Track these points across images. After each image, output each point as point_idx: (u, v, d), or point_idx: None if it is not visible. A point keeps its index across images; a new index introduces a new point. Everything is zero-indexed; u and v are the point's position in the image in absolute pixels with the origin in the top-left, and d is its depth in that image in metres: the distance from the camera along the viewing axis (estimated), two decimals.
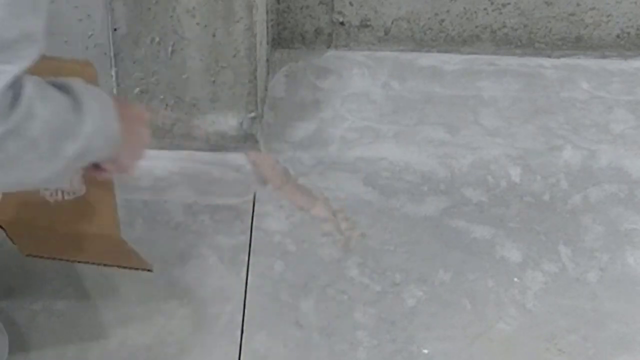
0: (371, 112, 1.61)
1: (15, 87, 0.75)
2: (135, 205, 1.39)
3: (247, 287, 1.29)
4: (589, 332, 1.24)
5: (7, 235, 1.04)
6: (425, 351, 1.21)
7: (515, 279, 1.31)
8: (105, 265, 1.13)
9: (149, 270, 1.17)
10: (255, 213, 1.41)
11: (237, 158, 1.51)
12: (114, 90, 1.45)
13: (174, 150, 1.51)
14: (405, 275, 1.31)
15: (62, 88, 0.84)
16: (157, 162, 1.48)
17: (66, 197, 1.15)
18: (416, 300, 1.28)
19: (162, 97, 1.48)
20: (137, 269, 1.15)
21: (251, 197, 1.43)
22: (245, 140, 1.51)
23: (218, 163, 1.49)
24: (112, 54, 1.42)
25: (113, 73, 1.44)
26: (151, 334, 1.22)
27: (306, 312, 1.26)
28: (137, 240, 1.33)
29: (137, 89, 1.48)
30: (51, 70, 0.88)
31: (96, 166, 0.99)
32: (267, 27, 1.67)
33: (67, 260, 1.09)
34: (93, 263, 1.12)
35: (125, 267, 1.15)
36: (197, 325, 1.24)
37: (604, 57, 1.76)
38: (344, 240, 1.37)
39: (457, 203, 1.43)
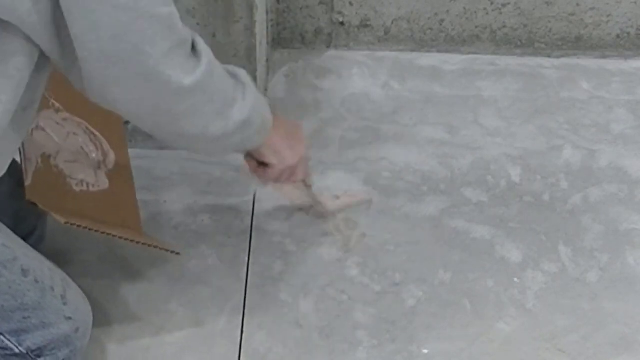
0: (371, 112, 1.61)
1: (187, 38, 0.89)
2: None
3: (247, 287, 1.29)
4: (589, 332, 1.24)
5: (41, 209, 1.04)
6: (425, 351, 1.21)
7: (515, 279, 1.31)
8: (138, 242, 1.14)
9: (177, 254, 1.20)
10: (255, 213, 1.41)
11: (237, 158, 1.51)
12: None
13: (174, 150, 1.51)
14: (405, 275, 1.31)
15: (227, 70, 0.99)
16: (157, 162, 1.48)
17: (91, 189, 1.16)
18: (416, 300, 1.28)
19: None
20: (167, 250, 1.18)
21: (251, 197, 1.44)
22: None
23: (218, 163, 1.49)
24: None
25: None
26: (151, 334, 1.22)
27: (306, 312, 1.26)
28: None
29: None
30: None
31: (262, 164, 1.15)
32: (267, 27, 1.67)
33: (104, 233, 1.10)
34: (127, 239, 1.13)
35: (156, 247, 1.17)
36: (197, 325, 1.24)
37: (604, 57, 1.77)
38: (344, 240, 1.37)
39: (457, 203, 1.43)
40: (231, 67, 1.00)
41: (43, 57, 0.88)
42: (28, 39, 0.83)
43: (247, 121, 1.01)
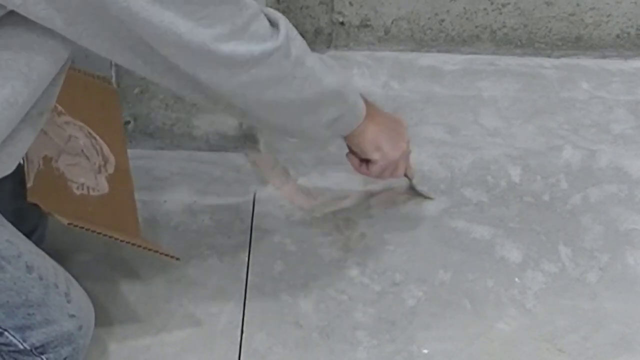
0: None
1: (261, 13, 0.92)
2: None
3: (247, 287, 1.29)
4: (589, 332, 1.24)
5: (42, 209, 1.04)
6: (425, 351, 1.21)
7: (516, 279, 1.31)
8: (139, 246, 1.14)
9: (177, 259, 1.19)
10: (255, 213, 1.41)
11: (237, 158, 1.51)
12: None
13: (174, 150, 1.52)
14: (405, 275, 1.31)
15: None
16: (157, 162, 1.49)
17: (91, 193, 1.17)
18: (416, 300, 1.28)
19: (162, 97, 1.48)
20: (167, 255, 1.17)
21: (251, 197, 1.44)
22: (245, 140, 1.51)
23: (218, 163, 1.49)
24: None
25: (113, 73, 1.44)
26: (151, 334, 1.22)
27: (306, 312, 1.26)
28: None
29: (137, 89, 1.47)
30: (76, 81, 0.92)
31: (364, 161, 1.19)
32: None
33: (105, 235, 1.10)
34: (128, 242, 1.14)
35: (155, 252, 1.17)
36: (197, 325, 1.24)
37: (604, 57, 1.76)
38: (344, 240, 1.37)
39: (457, 203, 1.43)
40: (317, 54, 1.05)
41: (63, 66, 0.90)
42: (55, 46, 0.86)
43: (341, 93, 1.04)
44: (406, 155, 1.26)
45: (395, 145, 1.20)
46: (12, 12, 0.81)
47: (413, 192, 1.43)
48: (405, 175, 1.33)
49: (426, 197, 1.42)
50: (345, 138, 1.19)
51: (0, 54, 0.84)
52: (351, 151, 1.22)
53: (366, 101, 1.16)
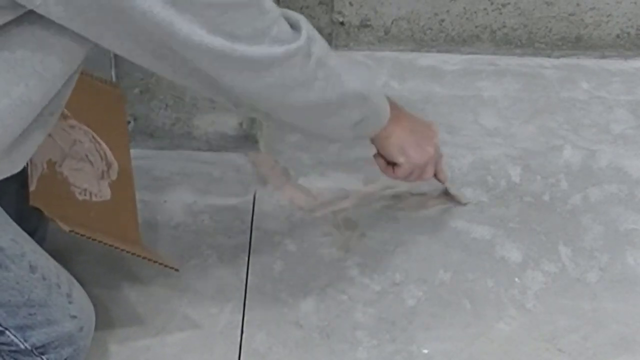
0: None
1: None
2: None
3: (247, 287, 1.29)
4: (589, 332, 1.24)
5: (45, 214, 1.05)
6: (425, 351, 1.21)
7: (516, 279, 1.31)
8: (139, 256, 1.14)
9: (176, 270, 1.19)
10: (255, 213, 1.41)
11: (237, 158, 1.51)
12: None
13: (174, 150, 1.52)
14: (405, 275, 1.31)
15: None
16: (157, 162, 1.49)
17: (93, 199, 1.17)
18: (416, 300, 1.28)
19: (162, 97, 1.48)
20: (166, 265, 1.17)
21: (251, 197, 1.44)
22: (245, 140, 1.51)
23: (218, 163, 1.49)
24: (112, 54, 1.42)
25: (113, 73, 1.44)
26: (151, 334, 1.23)
27: (306, 312, 1.26)
28: None
29: (137, 89, 1.48)
30: (83, 85, 0.92)
31: (390, 163, 1.20)
32: None
33: (106, 244, 1.10)
34: (128, 252, 1.14)
35: (155, 262, 1.17)
36: (197, 325, 1.24)
37: (604, 57, 1.76)
38: (343, 240, 1.37)
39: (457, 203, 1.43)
40: None
41: (78, 66, 0.91)
42: (71, 46, 0.86)
43: (364, 96, 1.04)
44: (436, 159, 1.25)
45: (421, 150, 1.19)
46: (29, 11, 0.81)
47: (446, 196, 1.41)
48: (437, 178, 1.32)
49: (458, 203, 1.41)
50: (371, 140, 1.19)
51: (16, 52, 0.84)
52: (378, 153, 1.22)
53: (394, 105, 1.15)
